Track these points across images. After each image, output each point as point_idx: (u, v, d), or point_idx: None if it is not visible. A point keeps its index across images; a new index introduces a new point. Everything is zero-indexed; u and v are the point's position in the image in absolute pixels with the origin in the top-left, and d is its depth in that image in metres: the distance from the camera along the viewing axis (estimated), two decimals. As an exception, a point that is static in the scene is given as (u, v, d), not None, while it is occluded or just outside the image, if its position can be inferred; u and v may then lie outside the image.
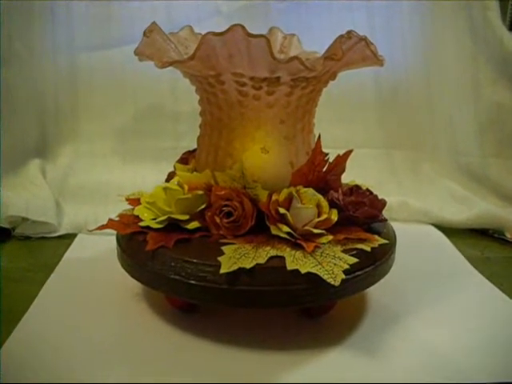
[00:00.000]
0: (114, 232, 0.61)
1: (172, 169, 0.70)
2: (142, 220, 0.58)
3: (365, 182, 0.65)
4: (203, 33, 0.66)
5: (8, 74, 0.95)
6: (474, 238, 0.91)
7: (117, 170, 1.01)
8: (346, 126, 1.05)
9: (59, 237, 0.87)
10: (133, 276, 0.57)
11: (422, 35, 1.04)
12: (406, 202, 0.96)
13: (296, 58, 0.49)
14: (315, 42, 0.73)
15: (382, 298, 0.65)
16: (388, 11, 1.03)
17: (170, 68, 0.56)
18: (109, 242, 0.69)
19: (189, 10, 0.99)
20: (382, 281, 0.57)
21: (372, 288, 0.56)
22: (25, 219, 0.86)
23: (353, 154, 0.60)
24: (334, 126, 1.02)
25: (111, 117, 1.03)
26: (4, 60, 0.94)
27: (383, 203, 0.60)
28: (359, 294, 0.57)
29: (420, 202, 0.97)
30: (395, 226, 0.65)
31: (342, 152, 0.59)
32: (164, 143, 1.03)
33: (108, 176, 0.99)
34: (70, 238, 0.86)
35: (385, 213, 0.61)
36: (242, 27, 0.47)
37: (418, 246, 0.81)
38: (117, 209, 0.66)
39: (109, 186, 0.97)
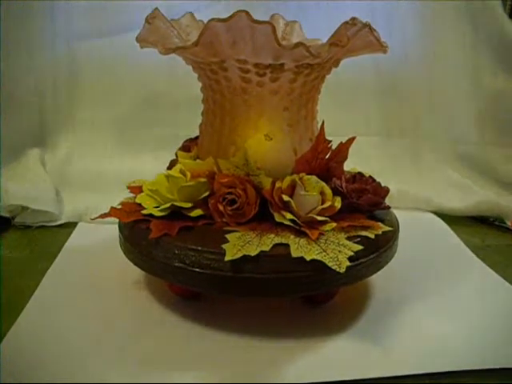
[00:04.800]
0: (115, 220, 0.60)
1: (172, 156, 0.69)
2: (144, 208, 0.58)
3: (364, 169, 0.65)
4: (204, 20, 0.66)
5: (6, 63, 0.94)
6: (475, 225, 0.92)
7: (116, 158, 1.00)
8: (346, 114, 1.05)
9: (59, 225, 0.86)
10: (136, 264, 0.57)
11: (422, 22, 1.03)
12: (406, 190, 0.96)
13: (301, 44, 0.49)
14: (315, 30, 0.73)
15: (384, 285, 0.65)
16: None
17: (169, 55, 0.55)
18: (109, 230, 0.69)
19: (187, -2, 0.99)
20: (384, 268, 0.57)
21: (374, 275, 0.56)
22: (25, 208, 0.86)
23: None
24: (334, 113, 1.01)
25: (110, 105, 1.03)
26: (2, 49, 0.94)
27: (386, 190, 0.60)
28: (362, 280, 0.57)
29: (420, 189, 0.97)
30: (396, 213, 0.65)
31: (341, 139, 0.59)
32: (163, 131, 1.02)
33: (107, 164, 0.99)
34: (70, 226, 0.85)
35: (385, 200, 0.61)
36: (247, 13, 0.46)
37: (419, 234, 0.81)
38: (117, 197, 0.65)
39: (108, 175, 0.97)
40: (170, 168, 0.65)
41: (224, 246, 0.50)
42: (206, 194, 0.57)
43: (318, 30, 0.71)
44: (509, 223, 0.90)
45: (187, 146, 0.68)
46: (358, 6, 1.01)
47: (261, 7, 0.98)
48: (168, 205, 0.56)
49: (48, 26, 0.99)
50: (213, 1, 1.00)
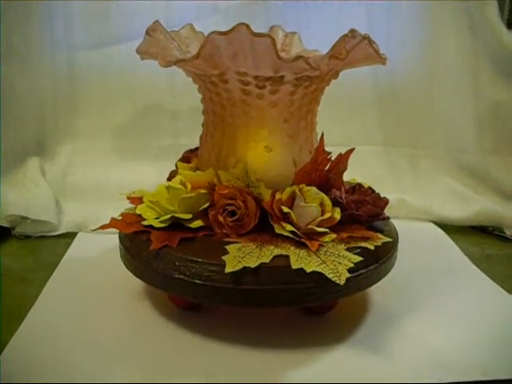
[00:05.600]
0: (115, 230, 0.60)
1: (171, 166, 0.70)
2: (144, 219, 0.58)
3: (363, 179, 0.66)
4: (202, 31, 0.67)
5: (6, 72, 0.94)
6: (474, 235, 0.92)
7: (116, 167, 1.00)
8: (345, 124, 1.05)
9: (59, 236, 0.86)
10: (137, 276, 0.57)
11: (421, 32, 1.03)
12: (406, 200, 0.96)
13: (301, 57, 0.49)
14: (314, 40, 0.73)
15: (383, 295, 0.65)
16: (387, 9, 1.03)
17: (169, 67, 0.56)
18: (109, 240, 0.70)
19: (187, 8, 0.99)
20: (383, 279, 0.57)
21: (374, 286, 0.56)
22: (25, 218, 0.86)
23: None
24: (333, 123, 1.01)
25: (110, 114, 1.03)
26: (2, 58, 0.94)
27: (385, 201, 0.60)
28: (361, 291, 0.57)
29: (419, 199, 0.97)
30: (395, 223, 0.65)
31: (340, 149, 0.59)
32: (163, 141, 1.02)
33: (107, 174, 0.99)
34: (70, 236, 0.85)
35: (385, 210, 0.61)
36: (247, 26, 0.47)
37: (418, 244, 0.81)
38: (117, 207, 0.65)
39: (108, 184, 0.96)
40: (170, 179, 0.66)
41: (224, 257, 0.50)
42: (206, 205, 0.57)
43: (317, 37, 0.71)
44: (508, 233, 0.90)
45: (187, 157, 0.69)
46: (356, 17, 1.01)
47: (260, 16, 0.99)
48: (168, 216, 0.57)
49: (48, 35, 0.99)
50: (214, 0, 1.00)
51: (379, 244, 0.55)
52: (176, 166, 0.67)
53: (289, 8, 1.01)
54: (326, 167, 0.58)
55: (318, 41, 0.70)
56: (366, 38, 0.53)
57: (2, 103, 0.94)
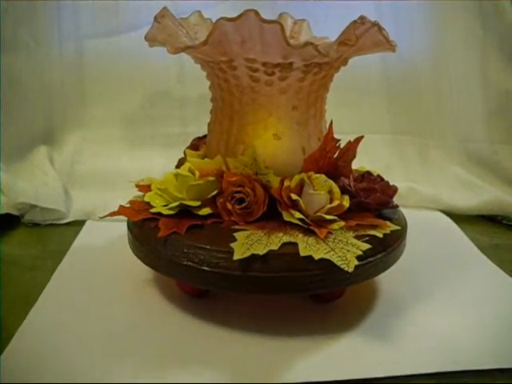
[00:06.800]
0: (123, 218, 0.60)
1: (180, 154, 0.69)
2: (153, 206, 0.58)
3: (372, 167, 0.65)
4: (211, 18, 0.66)
5: (15, 62, 0.95)
6: (483, 224, 0.91)
7: (124, 156, 1.01)
8: (354, 112, 1.04)
9: (68, 223, 0.87)
10: (145, 263, 0.57)
11: (431, 21, 1.03)
12: (414, 188, 0.96)
13: (310, 43, 0.49)
14: (322, 29, 0.73)
15: (391, 283, 0.65)
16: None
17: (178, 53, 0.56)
18: (118, 227, 0.70)
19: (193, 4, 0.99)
20: (392, 267, 0.57)
21: (382, 274, 0.56)
22: (34, 206, 0.86)
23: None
24: (341, 111, 1.01)
25: (118, 103, 1.03)
26: (10, 48, 0.94)
27: (394, 189, 0.60)
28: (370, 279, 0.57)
29: (428, 188, 0.97)
30: (404, 211, 0.65)
31: (348, 137, 0.59)
32: (171, 129, 1.03)
33: (115, 162, 0.99)
34: (78, 224, 0.86)
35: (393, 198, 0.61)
36: (255, 12, 0.46)
37: (427, 233, 0.81)
38: (125, 195, 0.66)
39: (116, 172, 0.97)
40: (178, 166, 0.66)
41: (232, 244, 0.50)
42: (215, 192, 0.57)
43: (324, 29, 0.71)
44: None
45: (196, 145, 0.68)
46: (365, 6, 1.00)
47: (268, 6, 0.99)
48: (177, 203, 0.57)
49: (55, 25, 0.99)
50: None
51: (388, 232, 0.55)
52: (184, 154, 0.67)
53: (296, 6, 1.01)
54: (335, 155, 0.58)
55: (325, 29, 0.70)
56: (375, 24, 0.52)
57: (11, 93, 0.94)
